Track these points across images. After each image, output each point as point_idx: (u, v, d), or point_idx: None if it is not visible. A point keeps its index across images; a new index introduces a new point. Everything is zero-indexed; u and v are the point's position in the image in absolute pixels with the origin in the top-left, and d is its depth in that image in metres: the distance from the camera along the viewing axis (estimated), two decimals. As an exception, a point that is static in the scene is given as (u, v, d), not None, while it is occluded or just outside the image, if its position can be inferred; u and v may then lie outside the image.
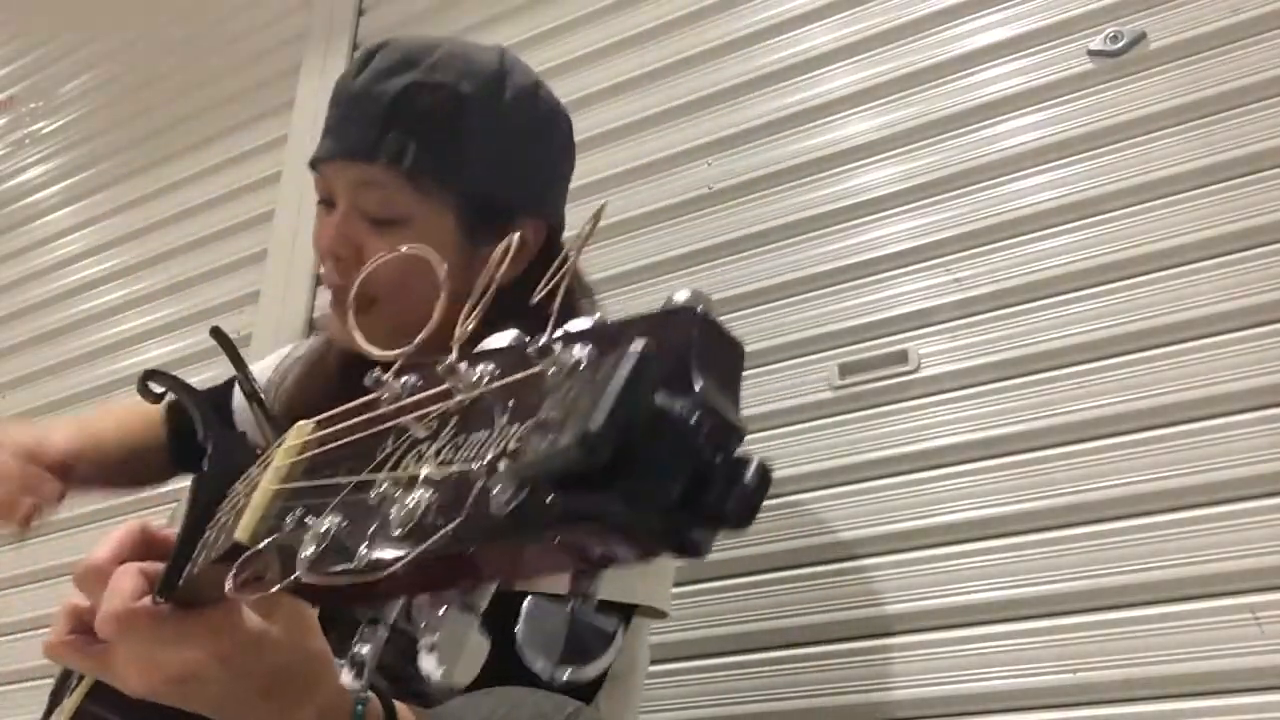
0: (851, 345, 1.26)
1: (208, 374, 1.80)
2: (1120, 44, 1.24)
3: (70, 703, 0.76)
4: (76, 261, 2.15)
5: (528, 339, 0.33)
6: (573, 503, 0.26)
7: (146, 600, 0.53)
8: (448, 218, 0.91)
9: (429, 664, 0.31)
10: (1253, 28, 1.18)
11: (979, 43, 1.34)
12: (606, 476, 0.26)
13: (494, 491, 0.28)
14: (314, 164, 0.95)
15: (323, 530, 0.35)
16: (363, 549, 0.33)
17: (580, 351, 0.30)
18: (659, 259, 1.41)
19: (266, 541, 0.39)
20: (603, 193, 1.48)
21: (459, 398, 0.34)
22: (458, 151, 0.91)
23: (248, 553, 0.40)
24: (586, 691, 0.87)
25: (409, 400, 0.36)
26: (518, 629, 0.29)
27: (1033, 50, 1.30)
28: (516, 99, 0.93)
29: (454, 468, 0.31)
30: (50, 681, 0.90)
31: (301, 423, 0.46)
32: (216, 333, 0.66)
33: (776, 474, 1.25)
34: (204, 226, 1.98)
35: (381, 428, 0.37)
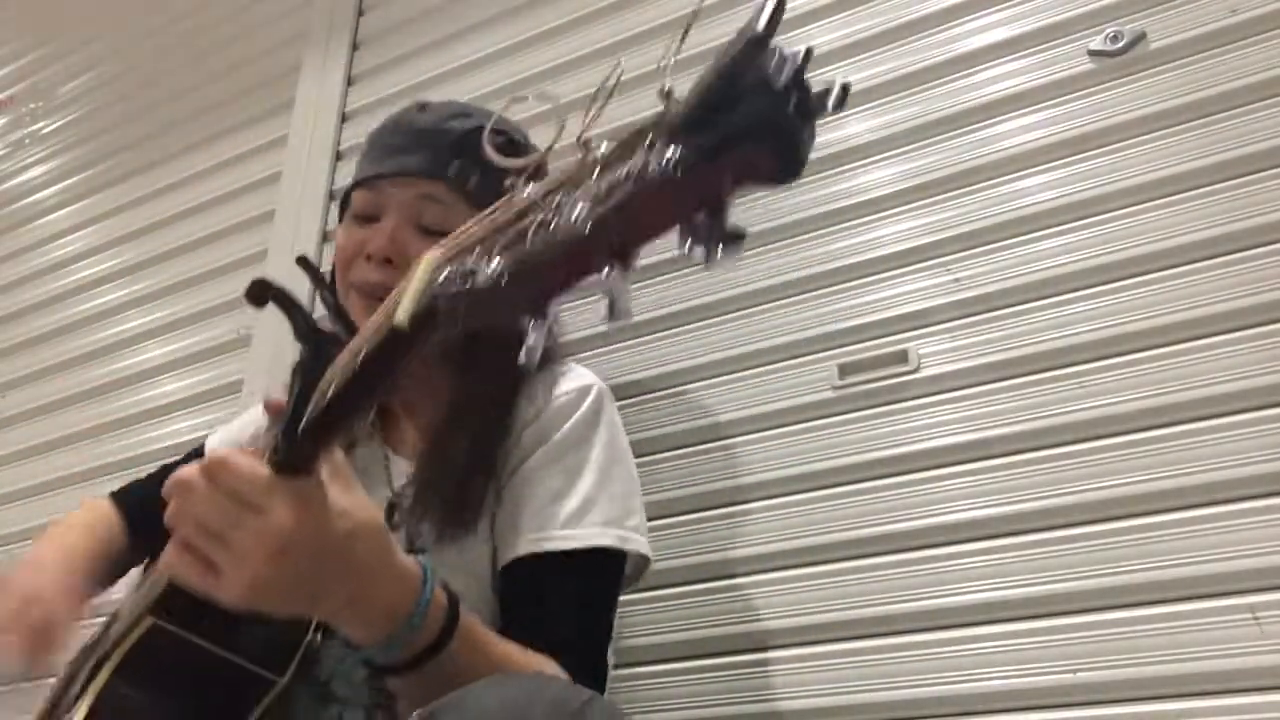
0: (851, 345, 1.26)
1: (208, 374, 1.80)
2: (1120, 44, 1.24)
3: (95, 684, 0.77)
4: (76, 261, 2.14)
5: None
6: (717, 128, 0.36)
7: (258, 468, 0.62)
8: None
9: (603, 308, 0.41)
10: (1252, 28, 1.18)
11: (979, 43, 1.34)
12: (738, 99, 0.36)
13: (651, 162, 0.37)
14: (371, 180, 1.08)
15: (495, 265, 0.43)
16: (543, 238, 0.41)
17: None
18: (659, 259, 1.41)
19: (439, 293, 0.47)
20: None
21: (595, 154, 0.41)
22: (500, 178, 0.99)
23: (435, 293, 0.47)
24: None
25: (543, 183, 0.45)
26: (681, 243, 0.39)
27: (1033, 50, 1.30)
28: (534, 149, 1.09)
29: (607, 180, 0.39)
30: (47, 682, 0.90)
31: (428, 253, 0.52)
32: (302, 261, 0.75)
33: (776, 474, 1.25)
34: (204, 226, 1.98)
35: (522, 208, 0.45)
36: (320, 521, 0.64)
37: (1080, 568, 1.06)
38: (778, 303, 1.33)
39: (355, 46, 1.95)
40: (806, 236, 1.34)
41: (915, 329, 1.23)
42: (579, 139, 0.43)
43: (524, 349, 0.43)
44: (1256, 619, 0.98)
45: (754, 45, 0.36)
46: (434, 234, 1.00)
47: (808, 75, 0.37)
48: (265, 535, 0.62)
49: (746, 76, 0.36)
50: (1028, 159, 1.25)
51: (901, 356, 1.23)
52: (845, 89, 0.37)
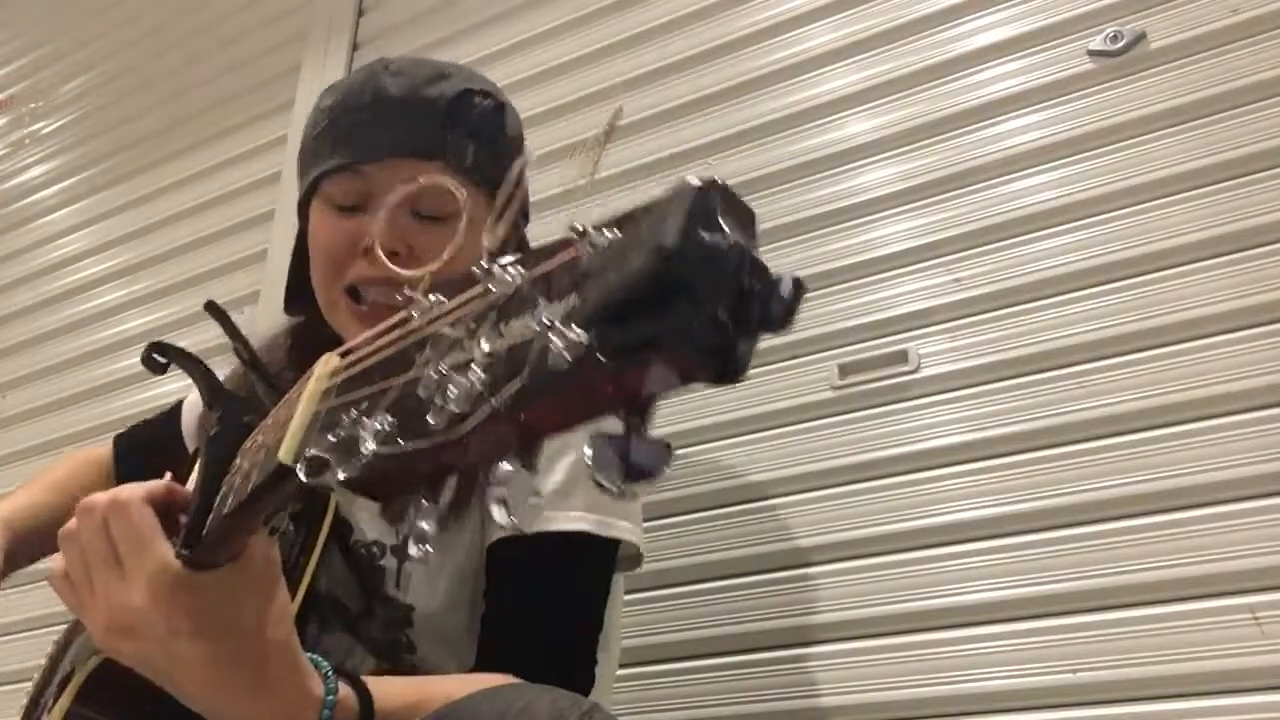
0: (851, 345, 1.26)
1: (208, 374, 1.80)
2: (1120, 44, 1.24)
3: (59, 706, 0.76)
4: (76, 261, 2.14)
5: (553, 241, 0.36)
6: (633, 332, 0.30)
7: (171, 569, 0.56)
8: (487, 207, 0.95)
9: (500, 515, 0.35)
10: (1252, 28, 1.18)
11: (979, 43, 1.34)
12: (659, 304, 0.29)
13: (553, 348, 0.31)
14: (354, 165, 0.95)
15: (379, 425, 0.38)
16: (431, 421, 0.35)
17: (610, 233, 0.32)
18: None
19: (317, 449, 0.41)
20: (603, 192, 1.49)
21: (497, 292, 0.36)
22: (497, 149, 0.97)
23: (306, 459, 0.42)
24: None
25: (442, 309, 0.39)
26: (586, 455, 0.32)
27: (1033, 50, 1.30)
28: (514, 109, 1.04)
29: (505, 342, 0.34)
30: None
31: (326, 355, 0.48)
32: (211, 307, 0.69)
33: (776, 474, 1.25)
34: (204, 226, 1.98)
35: (416, 338, 0.39)
36: (178, 623, 0.56)
37: (1080, 568, 1.06)
38: (778, 303, 1.32)
39: (355, 46, 1.94)
40: (806, 236, 1.34)
41: (915, 329, 1.23)
42: (487, 249, 0.37)
43: (408, 533, 0.38)
44: (1256, 619, 0.97)
45: (689, 227, 0.30)
46: (435, 220, 0.93)
47: (757, 277, 0.31)
48: (114, 602, 0.57)
49: (673, 273, 0.29)
50: (1028, 159, 1.25)
51: (901, 356, 1.23)
52: (799, 286, 0.32)
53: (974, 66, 1.33)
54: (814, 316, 1.30)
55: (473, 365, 0.34)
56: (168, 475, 0.63)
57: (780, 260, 1.34)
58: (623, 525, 0.94)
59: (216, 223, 1.96)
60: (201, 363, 0.60)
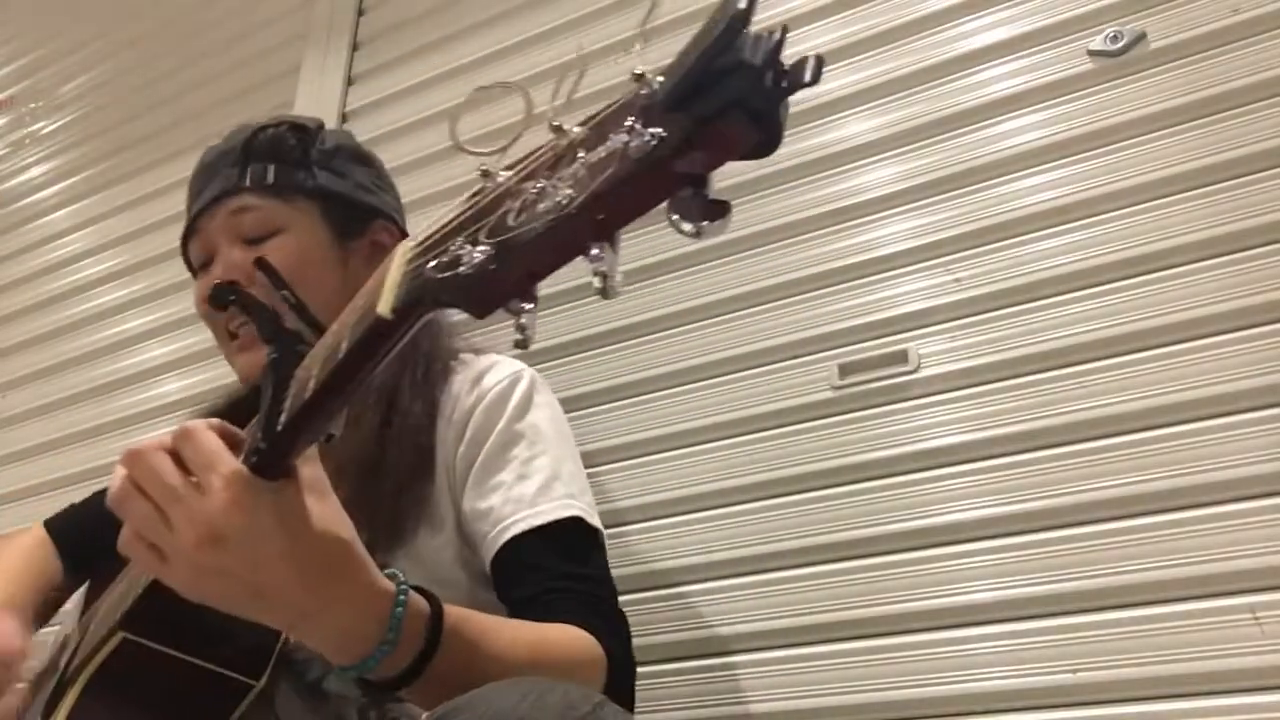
0: (851, 345, 1.26)
1: (208, 373, 1.80)
2: (1120, 44, 1.24)
3: (66, 702, 0.76)
4: (76, 261, 2.14)
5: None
6: (706, 101, 0.37)
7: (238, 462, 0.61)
8: (316, 220, 1.09)
9: (598, 283, 0.41)
10: (1252, 28, 1.18)
11: (979, 43, 1.34)
12: (719, 79, 0.37)
13: (634, 142, 0.38)
14: (190, 228, 1.11)
15: (478, 249, 0.43)
16: (526, 226, 0.42)
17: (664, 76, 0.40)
18: (659, 259, 1.41)
19: (426, 280, 0.46)
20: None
21: (570, 138, 0.42)
22: (308, 164, 1.10)
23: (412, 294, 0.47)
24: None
25: (516, 168, 0.45)
26: (667, 207, 0.40)
27: (1033, 50, 1.30)
28: (337, 132, 1.20)
29: (584, 163, 0.40)
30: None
31: (402, 243, 0.52)
32: (260, 263, 0.78)
33: (776, 474, 1.26)
34: (204, 226, 1.98)
35: (498, 194, 0.44)
36: (261, 520, 0.61)
37: (1080, 568, 1.06)
38: (778, 303, 1.33)
39: (355, 47, 1.94)
40: (806, 236, 1.34)
41: (915, 329, 1.23)
42: (550, 124, 0.43)
43: (516, 330, 0.44)
44: (1256, 619, 0.98)
45: (734, 25, 0.36)
46: (262, 239, 1.05)
47: (784, 50, 0.38)
48: (198, 518, 0.61)
49: (726, 56, 0.37)
50: (1028, 159, 1.25)
51: (901, 356, 1.23)
52: (820, 61, 0.39)
53: (974, 66, 1.33)
54: (814, 316, 1.30)
55: (557, 183, 0.41)
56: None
57: (780, 260, 1.35)
58: (596, 516, 0.99)
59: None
60: (262, 303, 0.66)
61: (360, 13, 1.98)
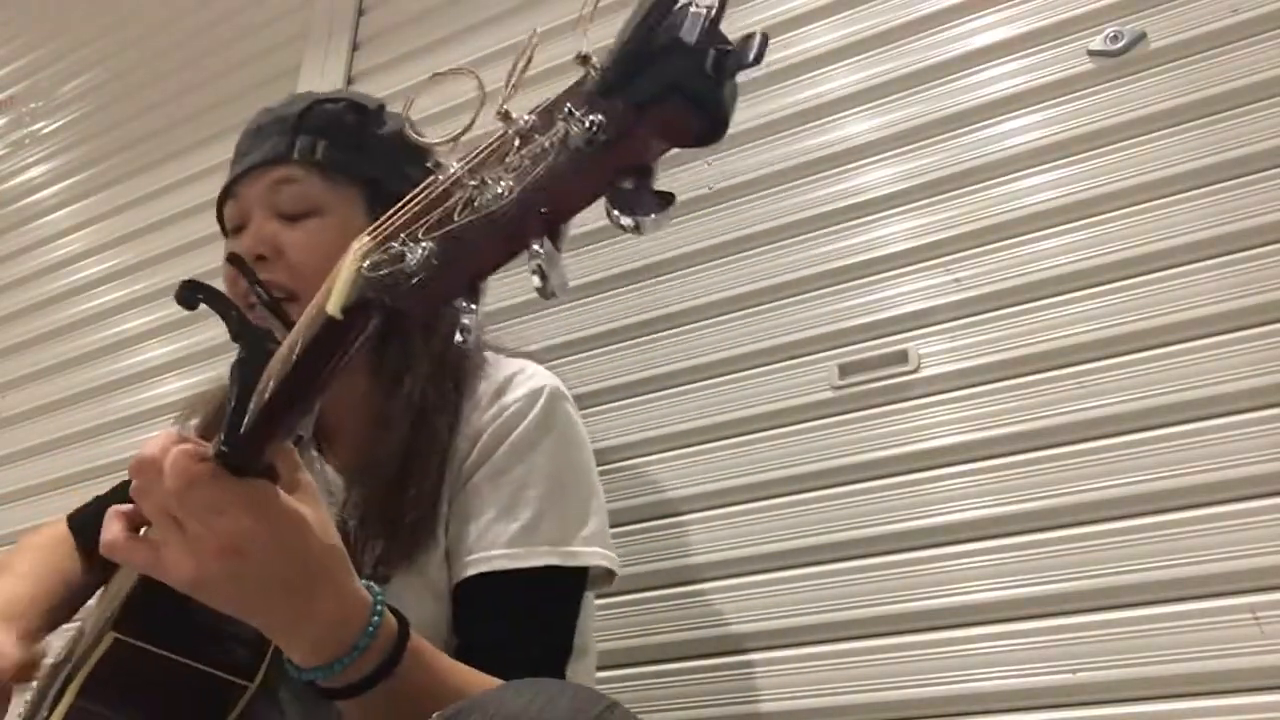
0: (851, 345, 1.26)
1: (208, 373, 1.80)
2: (1120, 44, 1.24)
3: (64, 702, 0.76)
4: (76, 261, 2.14)
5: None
6: (643, 85, 0.35)
7: (207, 464, 0.60)
8: (358, 204, 1.02)
9: (537, 281, 0.40)
10: (1252, 28, 1.18)
11: (979, 43, 1.34)
12: (656, 58, 0.35)
13: (574, 129, 0.37)
14: (229, 189, 1.07)
15: (421, 248, 0.42)
16: (467, 221, 0.40)
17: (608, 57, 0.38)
18: (659, 259, 1.41)
19: (369, 280, 0.45)
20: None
21: (513, 131, 0.40)
22: (360, 147, 1.04)
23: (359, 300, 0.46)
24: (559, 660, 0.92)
25: (468, 158, 0.43)
26: (607, 203, 0.38)
27: (1033, 50, 1.30)
28: (397, 117, 1.09)
29: (528, 152, 0.39)
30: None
31: (357, 238, 0.51)
32: (233, 258, 0.77)
33: (776, 474, 1.25)
34: (204, 226, 1.97)
35: (443, 188, 0.43)
36: (277, 529, 0.62)
37: (1080, 568, 1.06)
38: (778, 303, 1.33)
39: (355, 46, 1.94)
40: (806, 236, 1.34)
41: (915, 329, 1.23)
42: (498, 111, 0.42)
43: (458, 330, 0.43)
44: (1256, 619, 0.98)
45: (661, 3, 0.35)
46: (298, 217, 1.00)
47: (722, 29, 0.36)
48: (223, 532, 0.61)
49: (659, 36, 0.36)
50: (1028, 159, 1.25)
51: (901, 356, 1.23)
52: (765, 38, 0.37)
53: (974, 66, 1.33)
54: (814, 316, 1.30)
55: (501, 175, 0.39)
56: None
57: (780, 260, 1.35)
58: (590, 551, 0.95)
59: (216, 223, 1.96)
60: (230, 301, 0.66)
61: (360, 13, 1.98)
